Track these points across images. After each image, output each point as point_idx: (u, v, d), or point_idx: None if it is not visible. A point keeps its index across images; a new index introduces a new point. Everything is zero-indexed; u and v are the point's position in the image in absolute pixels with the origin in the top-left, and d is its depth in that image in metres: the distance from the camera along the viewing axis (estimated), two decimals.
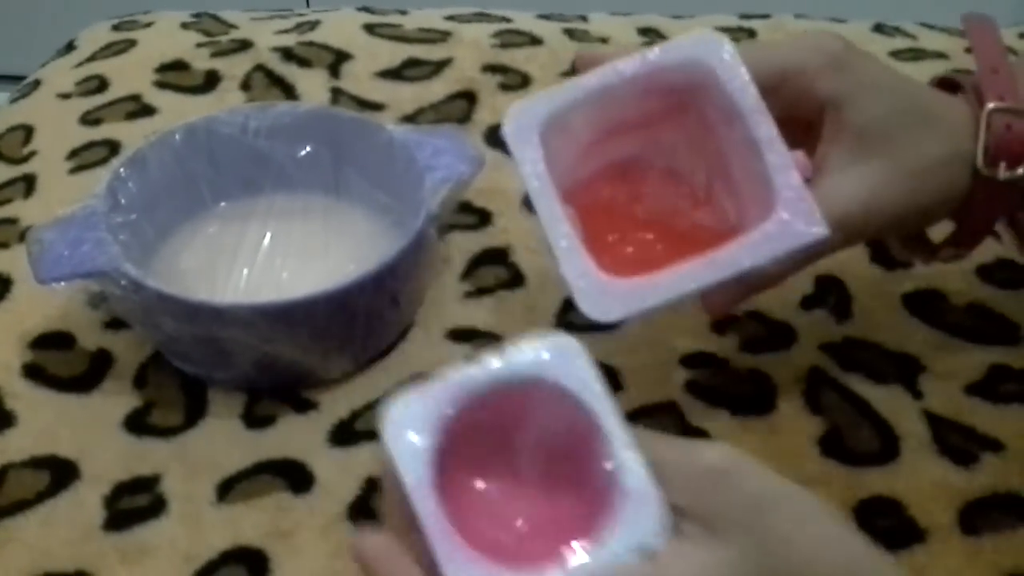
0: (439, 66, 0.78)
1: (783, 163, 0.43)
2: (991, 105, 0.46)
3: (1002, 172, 0.46)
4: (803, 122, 0.46)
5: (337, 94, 0.75)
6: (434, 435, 0.36)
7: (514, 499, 0.38)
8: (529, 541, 0.37)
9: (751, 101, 0.44)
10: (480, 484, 0.38)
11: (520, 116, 0.44)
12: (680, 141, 0.48)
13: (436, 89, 0.76)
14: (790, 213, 0.42)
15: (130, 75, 0.78)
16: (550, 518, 0.38)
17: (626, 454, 0.36)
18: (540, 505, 0.38)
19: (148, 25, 0.85)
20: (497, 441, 0.38)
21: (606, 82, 0.45)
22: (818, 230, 0.42)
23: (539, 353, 0.37)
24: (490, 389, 0.37)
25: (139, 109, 0.75)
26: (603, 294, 0.42)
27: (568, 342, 0.37)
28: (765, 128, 0.43)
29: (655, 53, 0.45)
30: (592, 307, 0.42)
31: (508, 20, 0.85)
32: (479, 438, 0.38)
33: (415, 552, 0.34)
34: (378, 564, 0.34)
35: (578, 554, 0.35)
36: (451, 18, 0.85)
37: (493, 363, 0.37)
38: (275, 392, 0.54)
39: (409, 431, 0.35)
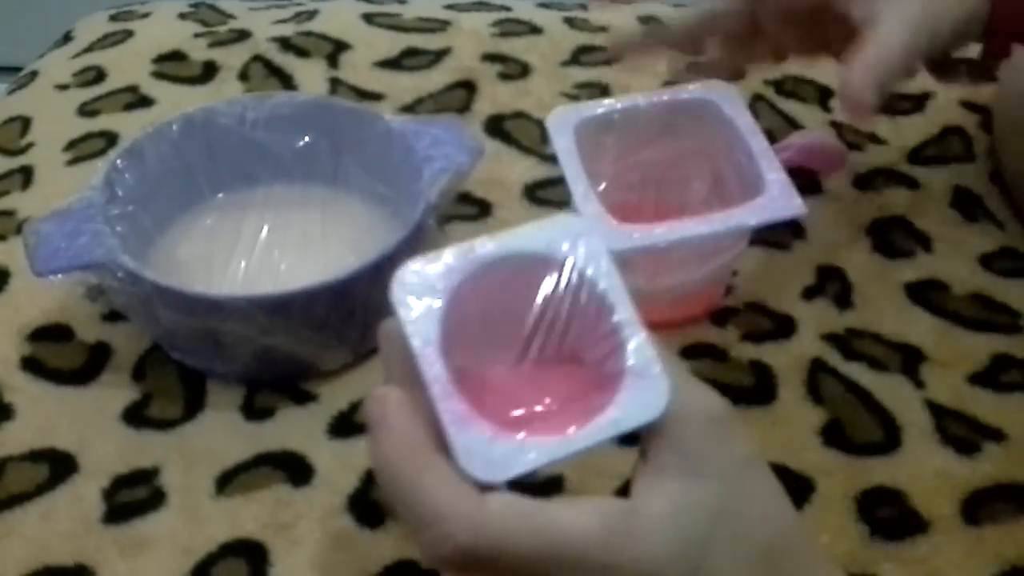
0: (438, 56, 0.78)
1: (773, 165, 0.50)
2: None
3: None
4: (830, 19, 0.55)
5: (335, 84, 0.75)
6: (444, 299, 0.36)
7: (519, 377, 0.39)
8: (534, 416, 0.37)
9: (749, 123, 0.52)
10: (486, 362, 0.39)
11: (560, 116, 0.52)
12: (685, 161, 0.55)
13: (435, 79, 0.76)
14: (775, 194, 0.49)
15: (127, 66, 0.78)
16: (557, 396, 0.38)
17: (631, 332, 0.36)
18: (546, 384, 0.38)
19: (145, 15, 0.85)
20: (502, 319, 0.38)
21: (629, 103, 0.53)
22: (797, 203, 0.48)
23: (548, 232, 0.38)
24: (499, 263, 0.37)
25: (136, 100, 0.74)
26: (614, 233, 0.47)
27: (579, 221, 0.39)
28: (760, 143, 0.51)
29: (672, 91, 0.54)
30: (602, 240, 0.43)
31: (508, 9, 0.85)
32: (485, 314, 0.38)
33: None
34: (399, 415, 0.34)
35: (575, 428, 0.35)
36: (450, 7, 0.85)
37: (501, 238, 0.38)
38: (274, 384, 0.54)
39: (419, 294, 0.36)
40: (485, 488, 0.33)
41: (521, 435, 0.34)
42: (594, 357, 0.38)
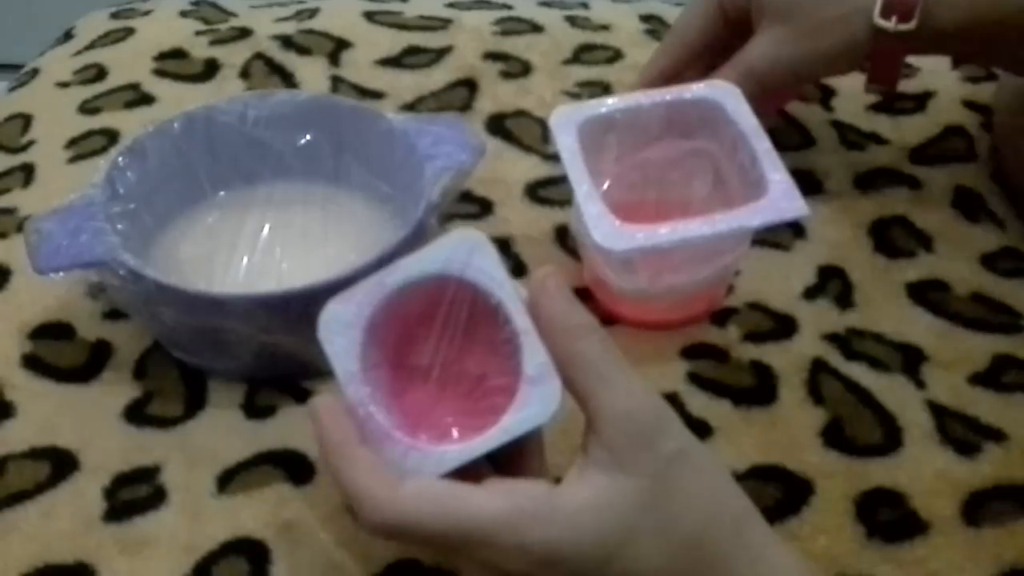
0: (440, 54, 0.78)
1: (776, 166, 0.50)
2: None
3: (894, 25, 0.57)
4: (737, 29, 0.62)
5: (337, 82, 0.75)
6: (361, 332, 0.40)
7: (431, 392, 0.43)
8: (447, 417, 0.42)
9: (753, 124, 0.52)
10: (405, 380, 0.43)
11: (563, 114, 0.53)
12: (687, 161, 0.56)
13: (437, 77, 0.76)
14: (778, 195, 0.49)
15: (129, 64, 0.78)
16: (465, 403, 0.42)
17: (526, 340, 0.39)
18: (455, 393, 0.43)
19: (147, 13, 0.85)
20: (413, 340, 0.43)
21: (632, 102, 0.54)
22: (799, 204, 0.49)
23: (445, 250, 0.41)
24: (404, 289, 0.41)
25: (138, 98, 0.74)
26: (617, 233, 0.48)
27: (473, 235, 0.41)
28: (763, 143, 0.52)
29: (675, 91, 0.55)
30: (605, 240, 0.47)
31: (509, 7, 0.85)
32: (399, 337, 0.42)
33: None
34: (327, 419, 0.39)
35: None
36: (451, 5, 0.85)
37: (404, 264, 0.41)
38: (275, 382, 0.54)
39: (339, 332, 0.40)
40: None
41: (428, 447, 0.39)
42: (493, 365, 0.41)
